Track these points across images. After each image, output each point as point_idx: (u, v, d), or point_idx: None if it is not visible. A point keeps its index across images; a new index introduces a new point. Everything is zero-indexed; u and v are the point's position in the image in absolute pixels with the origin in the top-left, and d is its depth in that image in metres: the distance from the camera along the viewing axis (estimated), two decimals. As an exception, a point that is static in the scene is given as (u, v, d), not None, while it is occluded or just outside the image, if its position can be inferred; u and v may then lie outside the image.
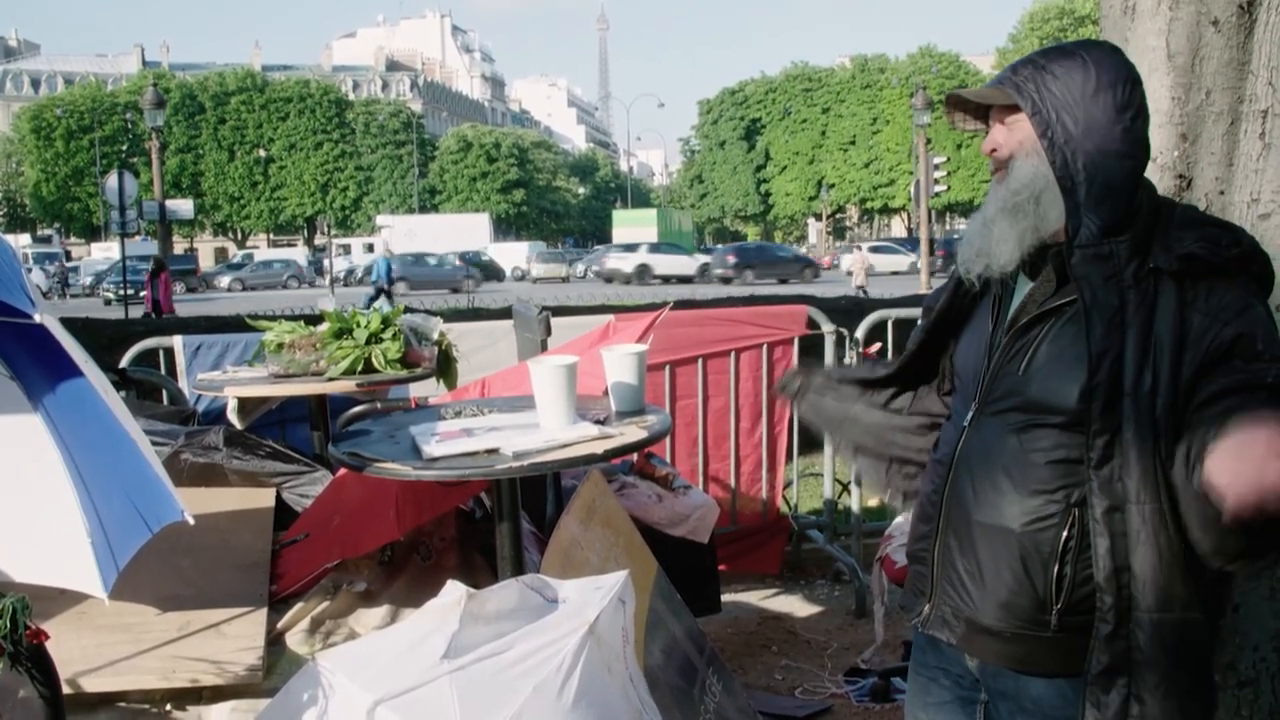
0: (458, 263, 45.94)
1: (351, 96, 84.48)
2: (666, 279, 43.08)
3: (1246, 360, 1.75)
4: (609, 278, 44.35)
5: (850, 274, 34.28)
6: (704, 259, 45.74)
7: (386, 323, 3.87)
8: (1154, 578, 1.78)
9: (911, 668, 2.27)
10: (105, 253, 54.84)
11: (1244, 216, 2.64)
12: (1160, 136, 2.66)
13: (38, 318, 2.05)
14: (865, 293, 27.17)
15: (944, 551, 2.03)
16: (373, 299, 30.49)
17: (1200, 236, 1.85)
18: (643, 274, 43.52)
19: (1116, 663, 1.81)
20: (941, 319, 2.20)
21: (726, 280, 40.57)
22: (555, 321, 4.78)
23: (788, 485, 6.11)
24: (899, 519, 4.20)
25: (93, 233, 68.23)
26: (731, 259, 43.25)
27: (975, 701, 2.09)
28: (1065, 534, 1.85)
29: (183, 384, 5.33)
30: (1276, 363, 1.74)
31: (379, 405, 4.29)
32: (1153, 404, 1.78)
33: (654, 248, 47.50)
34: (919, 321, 2.34)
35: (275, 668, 2.82)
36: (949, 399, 2.24)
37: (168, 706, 2.70)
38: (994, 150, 2.01)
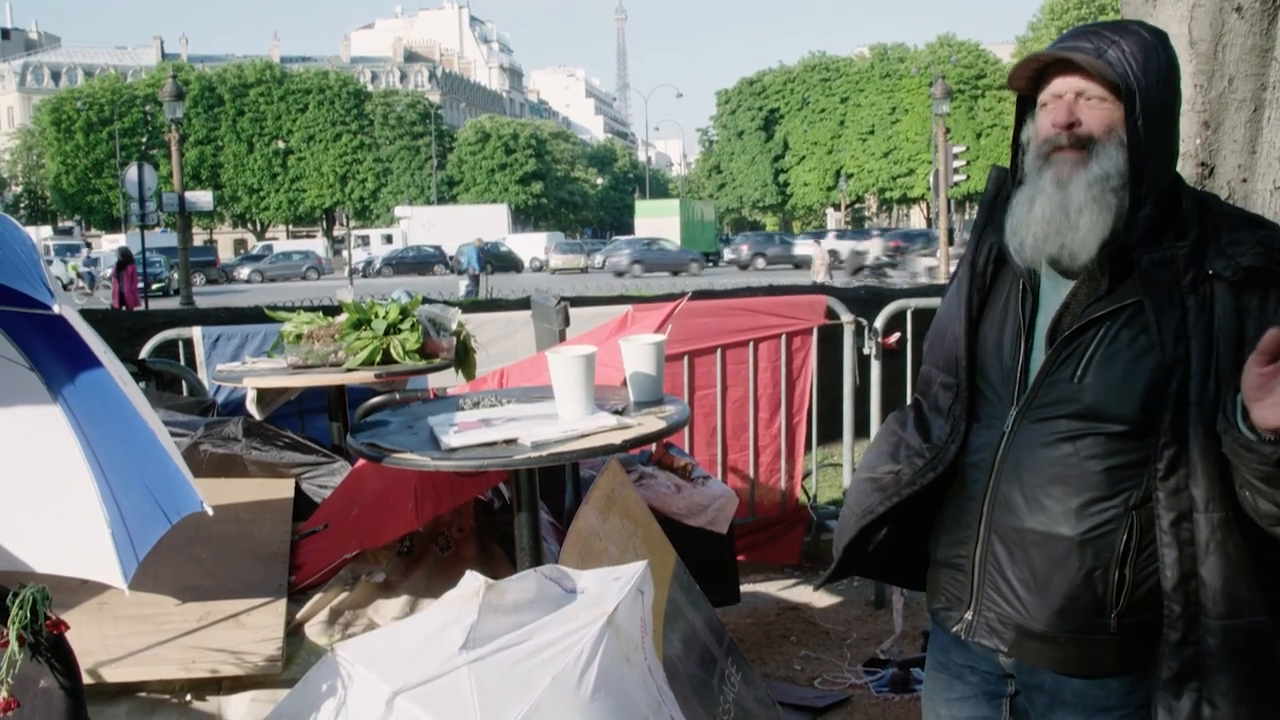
0: (679, 247, 51.16)
1: (370, 88, 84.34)
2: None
3: None
4: (797, 263, 45.48)
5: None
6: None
7: (405, 313, 3.88)
8: (1224, 585, 1.78)
9: (930, 665, 2.24)
10: (114, 245, 54.89)
11: (1266, 204, 2.62)
12: (1182, 124, 2.63)
13: (57, 309, 2.05)
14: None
15: (988, 558, 1.97)
16: (470, 284, 31.22)
17: (1257, 241, 1.80)
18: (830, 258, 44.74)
19: (1186, 668, 1.81)
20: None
21: (892, 265, 41.29)
22: (573, 312, 4.79)
23: (807, 475, 6.09)
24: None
25: (113, 224, 68.31)
26: (897, 245, 43.73)
27: (1001, 695, 2.06)
28: (1125, 537, 1.83)
29: (202, 375, 5.36)
30: None
31: (397, 396, 4.29)
32: (1216, 412, 1.75)
33: (840, 234, 50.61)
34: (927, 346, 2.18)
35: (294, 658, 2.82)
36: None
37: (187, 697, 2.71)
38: (1074, 125, 1.88)
